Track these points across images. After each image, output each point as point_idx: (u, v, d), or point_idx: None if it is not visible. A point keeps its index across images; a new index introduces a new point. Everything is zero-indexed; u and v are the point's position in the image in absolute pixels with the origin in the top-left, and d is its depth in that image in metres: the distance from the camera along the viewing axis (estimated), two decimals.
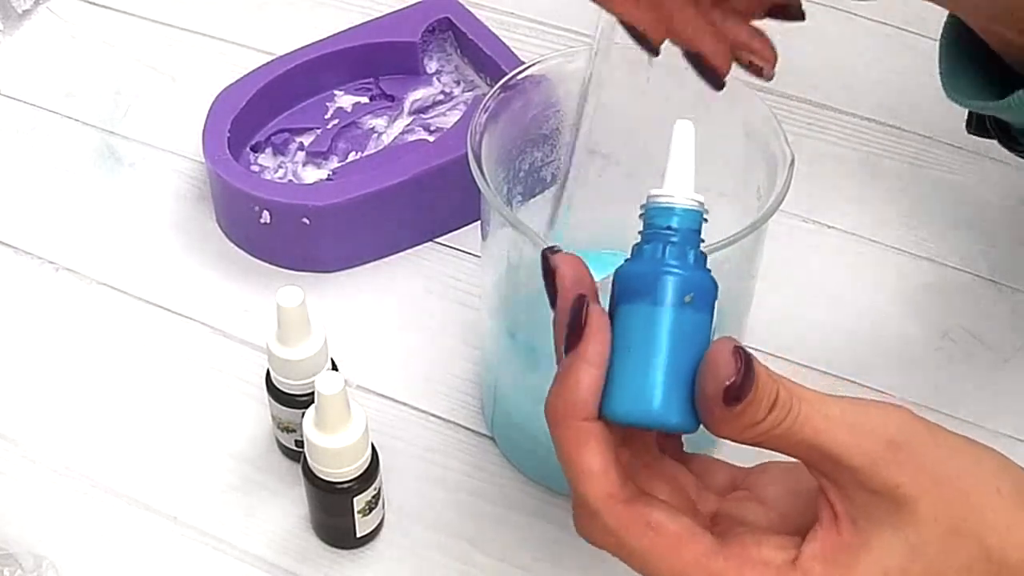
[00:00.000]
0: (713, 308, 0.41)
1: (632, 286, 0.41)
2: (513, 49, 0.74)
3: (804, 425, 0.40)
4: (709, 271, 0.41)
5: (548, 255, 0.43)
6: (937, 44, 0.56)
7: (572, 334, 0.41)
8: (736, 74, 0.56)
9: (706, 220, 0.42)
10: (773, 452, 0.41)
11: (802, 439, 0.40)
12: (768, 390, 0.39)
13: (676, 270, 0.40)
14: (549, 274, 0.42)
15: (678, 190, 0.41)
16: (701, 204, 0.41)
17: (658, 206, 0.41)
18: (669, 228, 0.41)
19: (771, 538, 0.41)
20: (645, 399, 0.40)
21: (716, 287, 0.41)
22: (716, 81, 0.49)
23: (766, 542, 0.41)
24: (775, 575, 0.40)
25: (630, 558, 0.41)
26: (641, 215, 0.42)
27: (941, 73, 0.56)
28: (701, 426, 0.41)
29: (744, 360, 0.39)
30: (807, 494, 0.42)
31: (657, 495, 0.42)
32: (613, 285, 0.41)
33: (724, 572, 0.40)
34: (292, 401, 0.59)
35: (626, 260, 0.42)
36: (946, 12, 0.54)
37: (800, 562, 0.40)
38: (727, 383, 0.39)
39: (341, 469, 0.55)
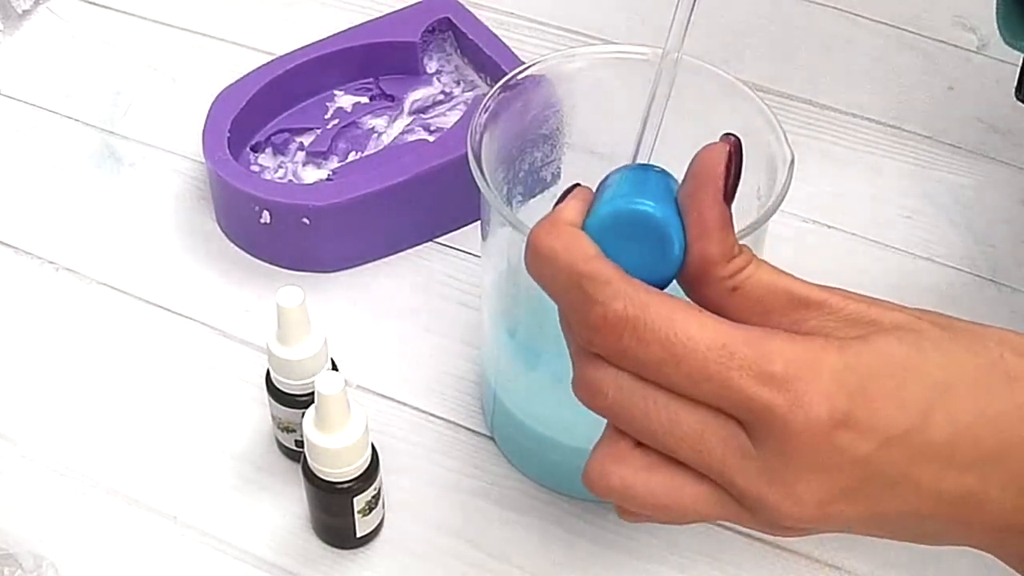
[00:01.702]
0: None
1: (608, 174, 0.43)
2: (513, 49, 0.74)
3: (767, 271, 0.41)
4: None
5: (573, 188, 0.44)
6: None
7: (560, 200, 0.43)
8: (736, 74, 0.56)
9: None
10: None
11: (769, 281, 0.41)
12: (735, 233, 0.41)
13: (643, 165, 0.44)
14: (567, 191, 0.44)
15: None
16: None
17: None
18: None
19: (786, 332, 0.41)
20: (627, 198, 0.41)
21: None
22: None
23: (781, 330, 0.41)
24: (797, 336, 0.40)
25: (654, 321, 0.39)
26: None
27: (998, 16, 0.55)
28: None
29: (736, 143, 0.41)
30: None
31: None
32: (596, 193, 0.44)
33: (749, 330, 0.39)
34: (292, 401, 0.59)
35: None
36: None
37: (812, 339, 0.40)
38: (726, 158, 0.40)
39: (341, 469, 0.55)
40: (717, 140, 0.41)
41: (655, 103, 0.47)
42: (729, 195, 0.41)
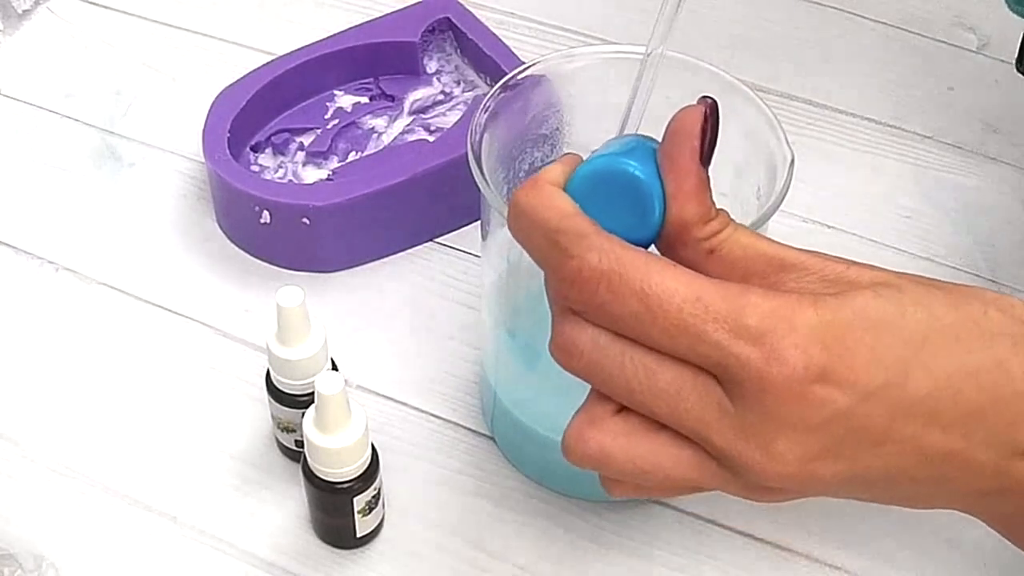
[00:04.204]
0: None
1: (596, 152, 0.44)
2: (513, 49, 0.74)
3: (744, 234, 0.42)
4: None
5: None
6: None
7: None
8: (736, 74, 0.56)
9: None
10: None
11: (748, 244, 0.41)
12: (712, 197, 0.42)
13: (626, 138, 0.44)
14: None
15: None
16: None
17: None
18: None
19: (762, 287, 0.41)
20: (607, 158, 0.42)
21: None
22: None
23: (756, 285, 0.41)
24: (774, 291, 0.40)
25: (632, 277, 0.39)
26: None
27: None
28: None
29: (712, 105, 0.41)
30: None
31: None
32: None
33: (725, 284, 0.40)
34: (292, 401, 0.59)
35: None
36: None
37: (788, 293, 0.40)
38: (701, 117, 0.41)
39: (341, 469, 0.55)
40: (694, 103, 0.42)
41: (637, 98, 0.47)
42: (705, 157, 0.41)
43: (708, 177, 0.42)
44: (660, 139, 0.43)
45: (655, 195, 0.41)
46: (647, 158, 0.42)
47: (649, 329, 0.39)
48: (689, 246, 0.42)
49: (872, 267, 0.42)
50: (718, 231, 0.42)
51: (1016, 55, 0.61)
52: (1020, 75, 0.62)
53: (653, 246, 0.43)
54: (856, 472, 0.41)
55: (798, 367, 0.38)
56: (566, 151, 0.60)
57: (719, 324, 0.39)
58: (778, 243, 0.42)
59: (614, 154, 0.42)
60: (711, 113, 0.41)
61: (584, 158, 0.44)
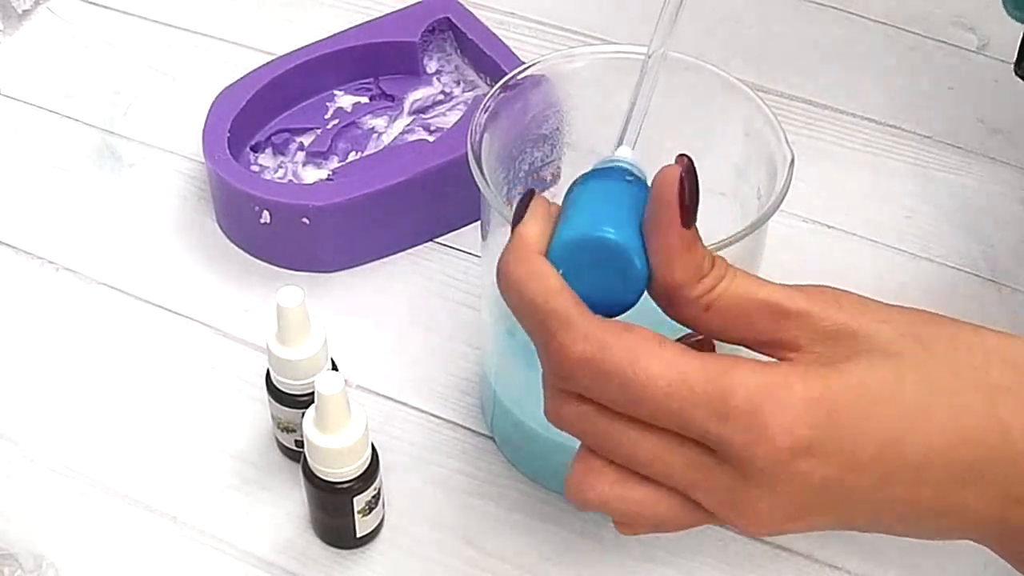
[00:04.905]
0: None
1: (578, 180, 0.43)
2: (513, 49, 0.74)
3: (742, 283, 0.41)
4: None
5: (530, 192, 0.44)
6: None
7: (518, 211, 0.43)
8: (736, 74, 0.56)
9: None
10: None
11: (746, 293, 0.41)
12: (704, 250, 0.41)
13: (615, 167, 0.43)
14: (523, 200, 0.44)
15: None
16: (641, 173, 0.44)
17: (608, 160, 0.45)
18: (609, 166, 0.44)
19: (751, 360, 0.41)
20: (589, 222, 0.41)
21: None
22: None
23: (745, 359, 0.41)
24: (761, 364, 0.40)
25: (617, 363, 0.40)
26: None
27: None
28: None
29: (689, 166, 0.40)
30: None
31: None
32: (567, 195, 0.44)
33: (710, 360, 0.39)
34: (292, 401, 0.59)
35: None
36: None
37: (777, 367, 0.40)
38: (677, 181, 0.40)
39: (341, 469, 0.55)
40: (672, 162, 0.41)
41: (639, 100, 0.47)
42: (687, 219, 0.40)
43: (695, 234, 0.41)
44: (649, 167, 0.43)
45: (637, 261, 0.41)
46: (628, 216, 0.41)
47: (635, 411, 0.40)
48: (683, 305, 0.41)
49: (881, 316, 0.41)
50: (712, 287, 0.41)
51: (1015, 58, 0.61)
52: (1019, 79, 0.62)
53: (652, 300, 0.43)
54: (844, 523, 0.41)
55: (784, 447, 0.39)
56: (565, 151, 0.60)
57: (704, 408, 0.39)
58: (778, 287, 0.42)
59: (593, 219, 0.41)
60: (687, 173, 0.40)
61: (560, 192, 0.44)
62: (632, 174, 0.43)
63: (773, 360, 0.41)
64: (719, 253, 0.49)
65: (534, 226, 0.42)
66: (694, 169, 0.41)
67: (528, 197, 0.43)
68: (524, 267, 0.41)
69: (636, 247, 0.41)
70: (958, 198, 0.75)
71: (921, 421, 0.40)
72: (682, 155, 0.41)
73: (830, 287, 0.42)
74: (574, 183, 0.44)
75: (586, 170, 0.44)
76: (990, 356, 0.41)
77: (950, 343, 0.41)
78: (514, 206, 0.43)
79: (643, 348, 0.39)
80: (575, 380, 0.40)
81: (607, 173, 0.43)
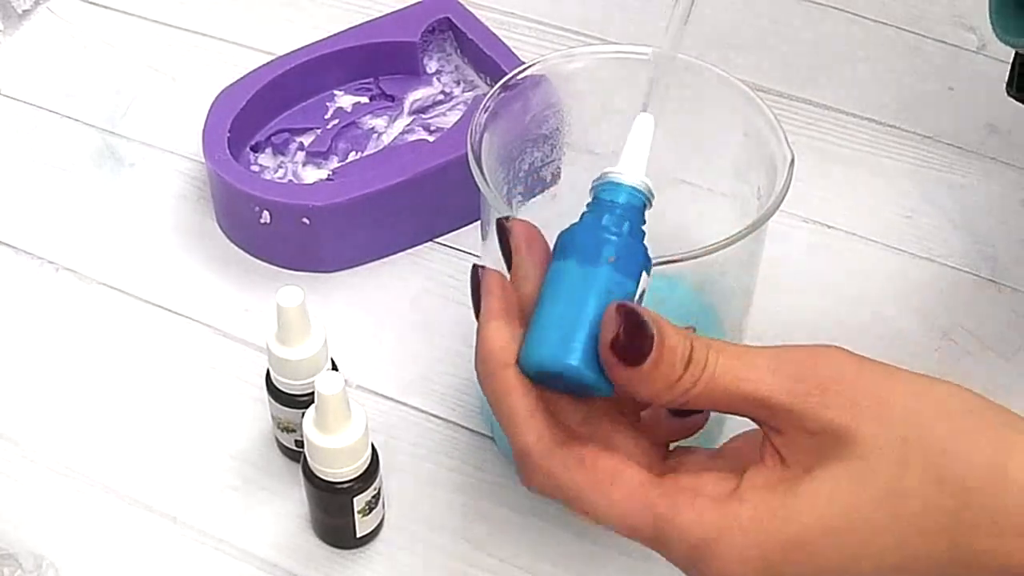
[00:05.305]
0: (639, 277, 0.42)
1: (563, 244, 0.43)
2: (513, 49, 0.74)
3: (726, 375, 0.40)
4: (644, 246, 0.43)
5: (503, 223, 0.44)
6: None
7: (473, 297, 0.43)
8: (737, 74, 0.56)
9: (650, 205, 0.44)
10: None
11: (727, 389, 0.40)
12: (678, 349, 0.40)
13: (604, 233, 0.42)
14: (504, 240, 0.44)
15: (628, 171, 0.44)
16: (648, 189, 0.44)
17: (605, 181, 0.44)
18: (612, 201, 0.43)
19: (712, 473, 0.41)
20: (556, 345, 0.41)
21: (648, 260, 0.42)
22: None
23: (706, 476, 0.41)
24: (710, 505, 0.40)
25: (568, 498, 0.42)
26: (591, 189, 0.44)
27: (991, 11, 0.55)
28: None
29: (626, 317, 0.40)
30: (756, 441, 0.42)
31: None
32: (555, 246, 0.43)
33: (657, 504, 0.40)
34: (292, 401, 0.59)
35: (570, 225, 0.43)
36: None
37: (739, 491, 0.40)
38: (610, 338, 0.40)
39: (341, 469, 0.55)
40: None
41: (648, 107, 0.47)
42: (630, 360, 0.40)
43: (657, 348, 0.40)
44: (668, 168, 0.43)
45: (604, 385, 0.41)
46: (594, 333, 0.41)
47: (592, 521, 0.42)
48: (661, 404, 0.42)
49: (864, 406, 0.40)
50: (688, 389, 0.41)
51: (1007, 79, 0.61)
52: (1011, 99, 0.61)
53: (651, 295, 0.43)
54: None
55: None
56: (565, 151, 0.60)
57: (650, 543, 0.41)
58: (764, 372, 0.41)
59: (557, 342, 0.41)
60: (626, 319, 0.40)
61: (586, 187, 0.43)
62: (623, 223, 0.43)
63: (731, 485, 0.41)
64: (719, 253, 0.49)
65: (497, 333, 0.42)
66: (631, 310, 0.40)
67: (475, 281, 0.43)
68: (491, 383, 0.42)
69: (594, 369, 0.41)
70: (958, 198, 0.75)
71: (880, 544, 0.39)
72: (623, 306, 0.40)
73: (824, 369, 0.41)
74: (560, 238, 0.43)
75: (575, 221, 0.43)
76: (971, 494, 0.39)
77: (934, 467, 0.39)
78: (469, 282, 0.44)
79: (593, 488, 0.41)
80: (540, 491, 0.43)
81: (594, 241, 0.42)
